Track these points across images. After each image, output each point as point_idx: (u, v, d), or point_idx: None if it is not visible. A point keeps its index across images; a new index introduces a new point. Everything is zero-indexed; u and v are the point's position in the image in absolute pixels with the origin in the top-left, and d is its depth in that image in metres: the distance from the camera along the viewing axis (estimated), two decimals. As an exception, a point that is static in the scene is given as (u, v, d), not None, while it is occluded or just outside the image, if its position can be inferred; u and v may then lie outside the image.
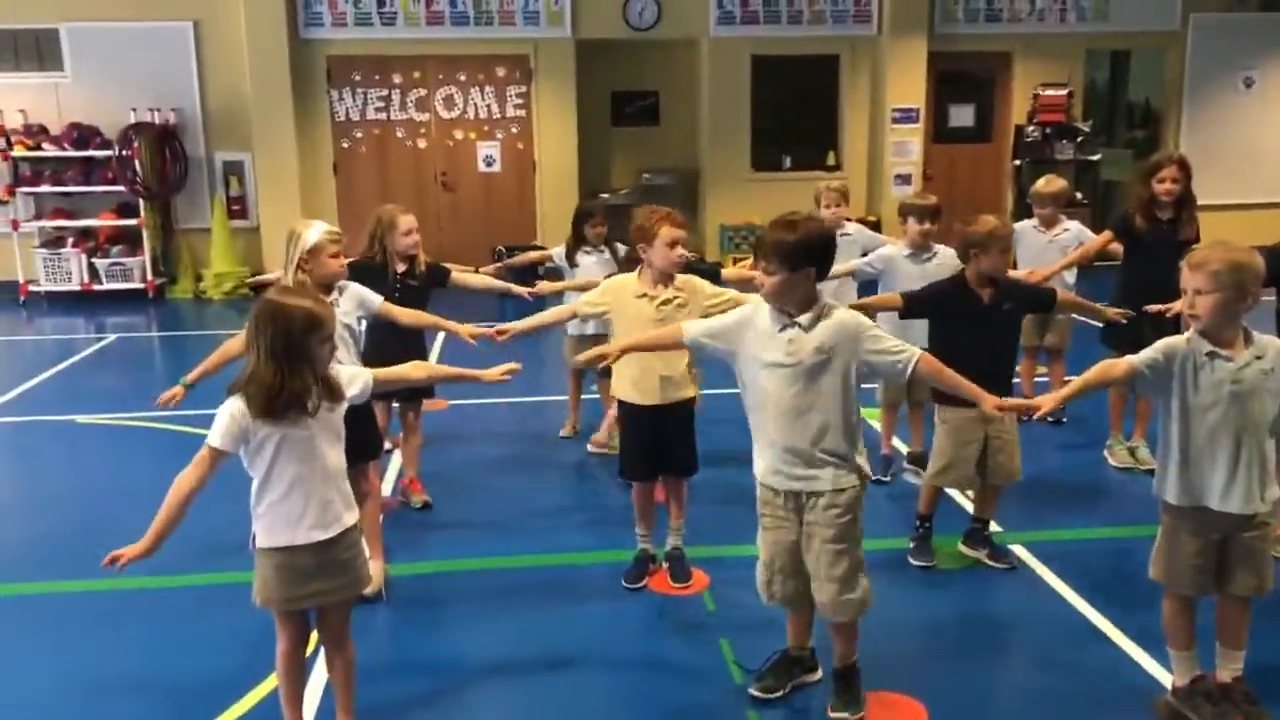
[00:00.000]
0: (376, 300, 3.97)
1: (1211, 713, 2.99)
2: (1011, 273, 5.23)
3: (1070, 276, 5.69)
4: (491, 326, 3.94)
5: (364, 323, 3.93)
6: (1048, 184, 5.75)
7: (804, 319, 2.90)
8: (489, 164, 11.34)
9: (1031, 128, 11.40)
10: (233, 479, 2.82)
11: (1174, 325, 3.11)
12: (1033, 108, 11.41)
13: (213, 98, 10.81)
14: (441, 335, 7.63)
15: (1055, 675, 3.40)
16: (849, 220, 5.84)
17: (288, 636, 2.84)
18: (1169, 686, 3.14)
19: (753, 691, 3.21)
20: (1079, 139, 11.37)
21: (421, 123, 11.20)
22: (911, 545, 4.22)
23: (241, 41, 10.47)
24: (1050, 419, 5.83)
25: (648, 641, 3.68)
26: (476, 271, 5.39)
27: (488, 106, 11.22)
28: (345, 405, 2.83)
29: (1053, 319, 5.75)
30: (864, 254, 5.57)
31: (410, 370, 3.26)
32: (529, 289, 4.69)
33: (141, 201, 10.44)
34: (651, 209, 3.86)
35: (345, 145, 11.14)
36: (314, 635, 2.96)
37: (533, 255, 6.43)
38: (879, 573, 3.88)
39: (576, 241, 5.73)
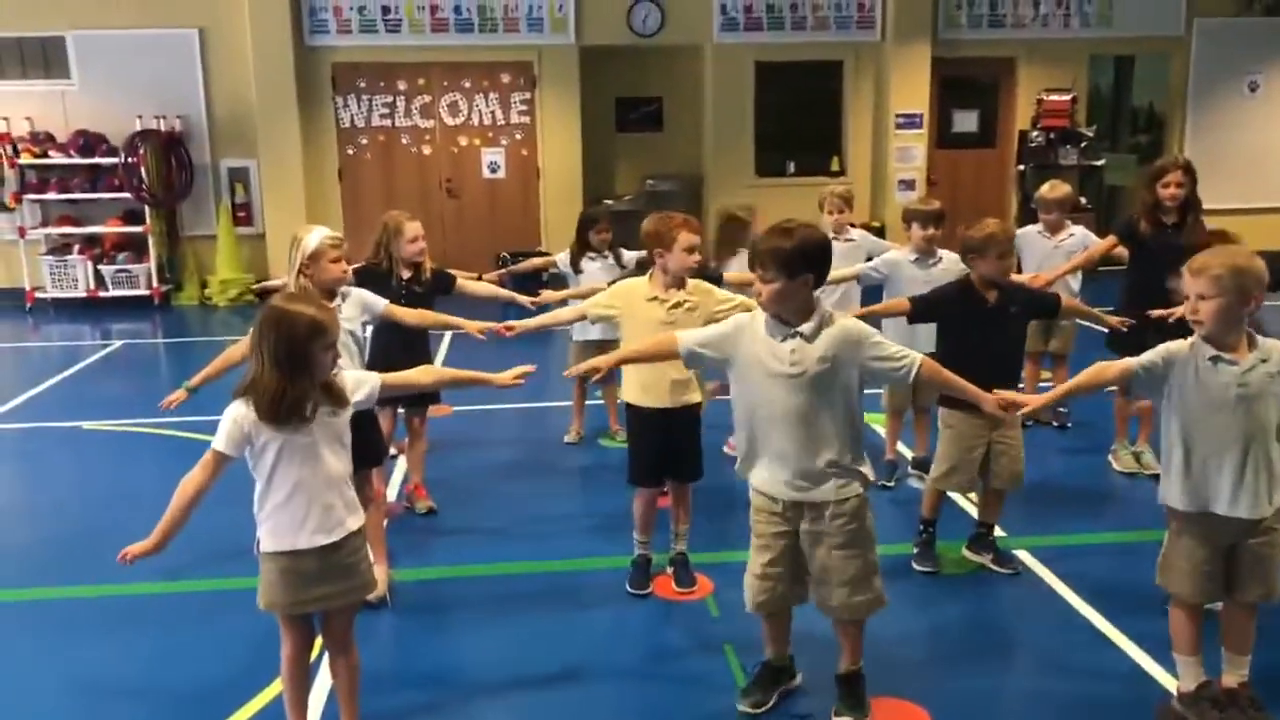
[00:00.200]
0: (381, 303, 3.98)
1: (1217, 718, 2.98)
2: (1016, 277, 5.26)
3: (1075, 282, 5.69)
4: (498, 324, 3.98)
5: (368, 329, 3.94)
6: (1052, 189, 5.75)
7: (806, 328, 2.88)
8: (493, 170, 11.36)
9: (1035, 133, 11.38)
10: (237, 484, 2.83)
11: (1178, 330, 3.11)
12: (1037, 113, 11.40)
13: (218, 105, 10.83)
14: (445, 341, 7.63)
15: (1059, 681, 3.39)
16: (853, 226, 5.85)
17: (292, 641, 2.85)
18: (1175, 692, 3.13)
19: (742, 708, 3.19)
20: (1083, 144, 11.35)
21: (426, 129, 11.23)
22: (915, 550, 4.22)
23: (247, 49, 10.50)
24: (1055, 423, 5.95)
25: (652, 647, 3.68)
26: (480, 278, 5.40)
27: (492, 113, 11.24)
28: (350, 411, 2.84)
29: (1056, 324, 5.75)
30: (868, 259, 5.58)
31: (419, 375, 3.27)
32: (532, 299, 4.68)
33: (147, 208, 10.47)
34: (669, 214, 3.88)
35: (350, 152, 11.16)
36: (319, 641, 2.97)
37: (536, 262, 6.45)
38: (883, 578, 3.90)
39: (581, 247, 5.75)
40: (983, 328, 3.93)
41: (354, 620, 2.96)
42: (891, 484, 5.10)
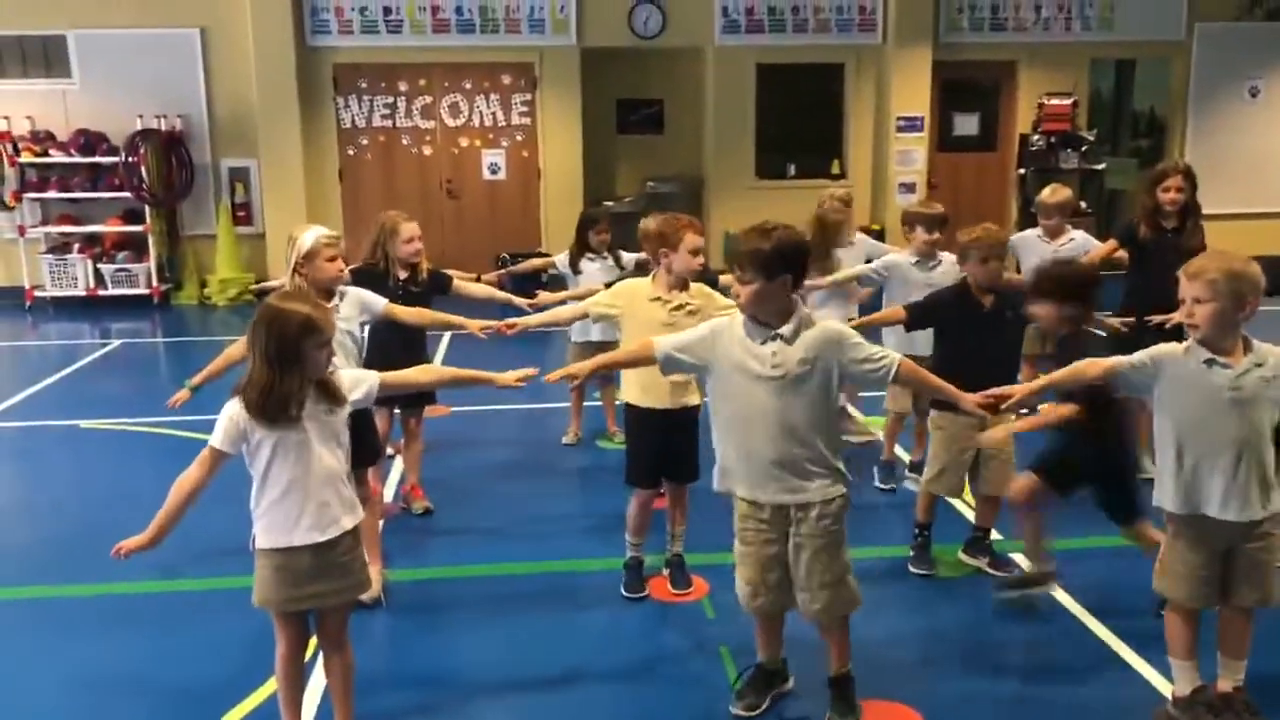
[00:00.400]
0: (380, 302, 3.98)
1: (1212, 723, 2.98)
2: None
3: None
4: (499, 322, 4.00)
5: (365, 328, 3.94)
6: (1053, 193, 5.73)
7: (786, 330, 2.87)
8: (494, 171, 11.37)
9: (1036, 137, 11.39)
10: (235, 482, 2.83)
11: (1175, 335, 3.11)
12: (1037, 117, 11.41)
13: (219, 104, 10.84)
14: (445, 341, 7.63)
15: (1055, 684, 3.38)
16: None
17: (286, 640, 2.85)
18: (1170, 696, 3.12)
19: (735, 711, 3.19)
20: (1084, 148, 11.36)
21: (427, 130, 11.23)
22: (911, 553, 4.22)
23: (248, 49, 10.51)
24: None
25: (648, 649, 3.67)
26: (479, 279, 5.40)
27: (493, 114, 11.24)
28: (347, 409, 2.84)
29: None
30: (867, 262, 5.58)
31: (419, 374, 3.27)
32: (530, 300, 4.66)
33: (147, 208, 10.48)
34: (674, 215, 3.88)
35: (351, 152, 11.17)
36: (313, 640, 2.97)
37: (536, 263, 6.46)
38: (879, 581, 3.91)
39: (580, 248, 5.75)
40: (979, 332, 3.93)
41: (348, 619, 2.96)
42: (889, 487, 5.09)
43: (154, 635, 3.77)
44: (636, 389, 3.88)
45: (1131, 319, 4.51)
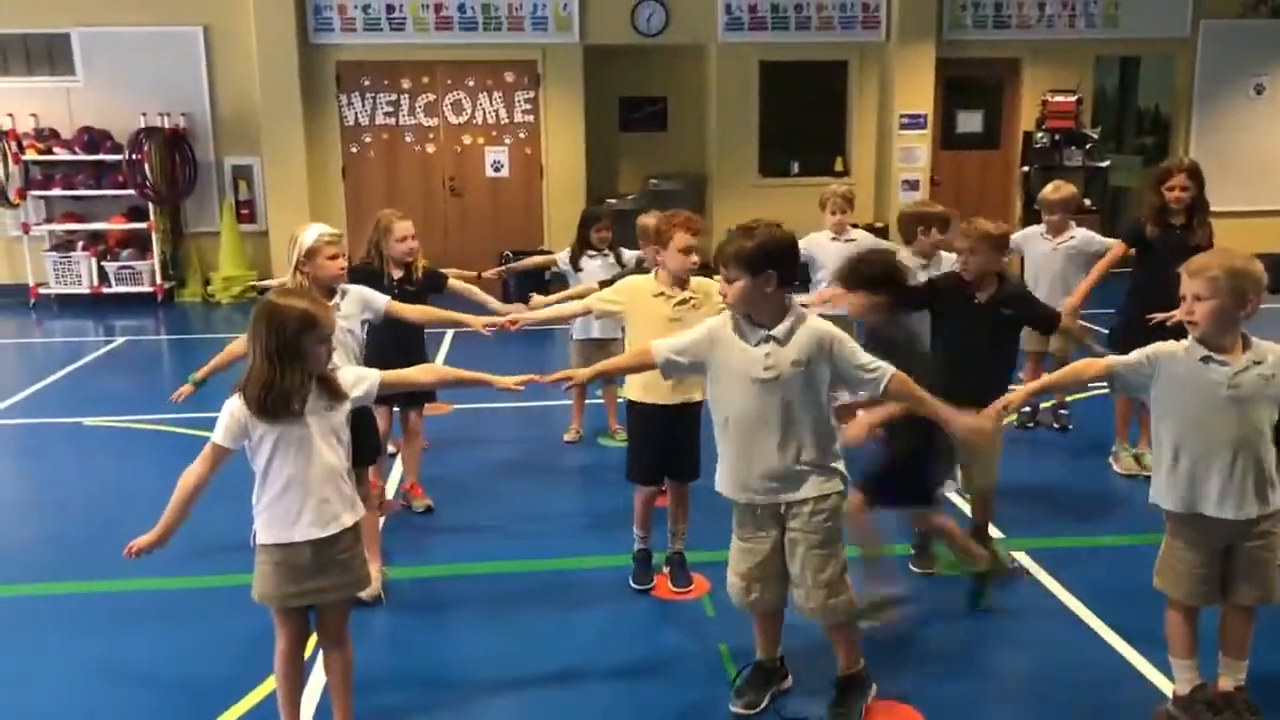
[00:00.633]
0: (382, 300, 3.98)
1: (1212, 722, 2.98)
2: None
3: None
4: (502, 319, 4.01)
5: (365, 327, 3.94)
6: (1055, 190, 5.71)
7: (779, 332, 2.85)
8: (497, 169, 11.36)
9: (1040, 134, 11.36)
10: (237, 479, 2.84)
11: (1177, 332, 3.10)
12: (1041, 114, 11.38)
13: (222, 102, 10.85)
14: (448, 339, 7.62)
15: (1055, 683, 3.38)
16: (854, 226, 5.84)
17: (286, 636, 2.85)
18: (1170, 695, 3.12)
19: (734, 709, 3.18)
20: (1088, 146, 11.32)
21: (430, 128, 11.23)
22: (912, 552, 4.21)
23: (251, 46, 10.52)
24: (1055, 425, 5.93)
25: (648, 647, 3.67)
26: (480, 276, 5.38)
27: (496, 112, 11.24)
28: (348, 406, 2.85)
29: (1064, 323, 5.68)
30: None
31: (419, 374, 3.28)
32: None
33: (151, 205, 10.49)
34: (672, 213, 3.87)
35: (354, 150, 11.17)
36: (313, 638, 2.97)
37: (537, 259, 6.46)
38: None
39: (581, 246, 5.75)
40: (965, 323, 3.92)
41: (348, 616, 2.96)
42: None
43: (156, 632, 3.78)
44: (639, 385, 3.88)
45: (1136, 318, 4.49)
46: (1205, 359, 2.83)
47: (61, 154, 10.45)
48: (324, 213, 10.32)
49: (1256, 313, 2.82)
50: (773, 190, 11.19)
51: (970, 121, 11.94)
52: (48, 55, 10.67)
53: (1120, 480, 5.21)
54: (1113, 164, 11.64)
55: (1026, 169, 11.45)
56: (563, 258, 5.86)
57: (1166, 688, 3.18)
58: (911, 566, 4.17)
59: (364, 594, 3.68)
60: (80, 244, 10.70)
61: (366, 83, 11.03)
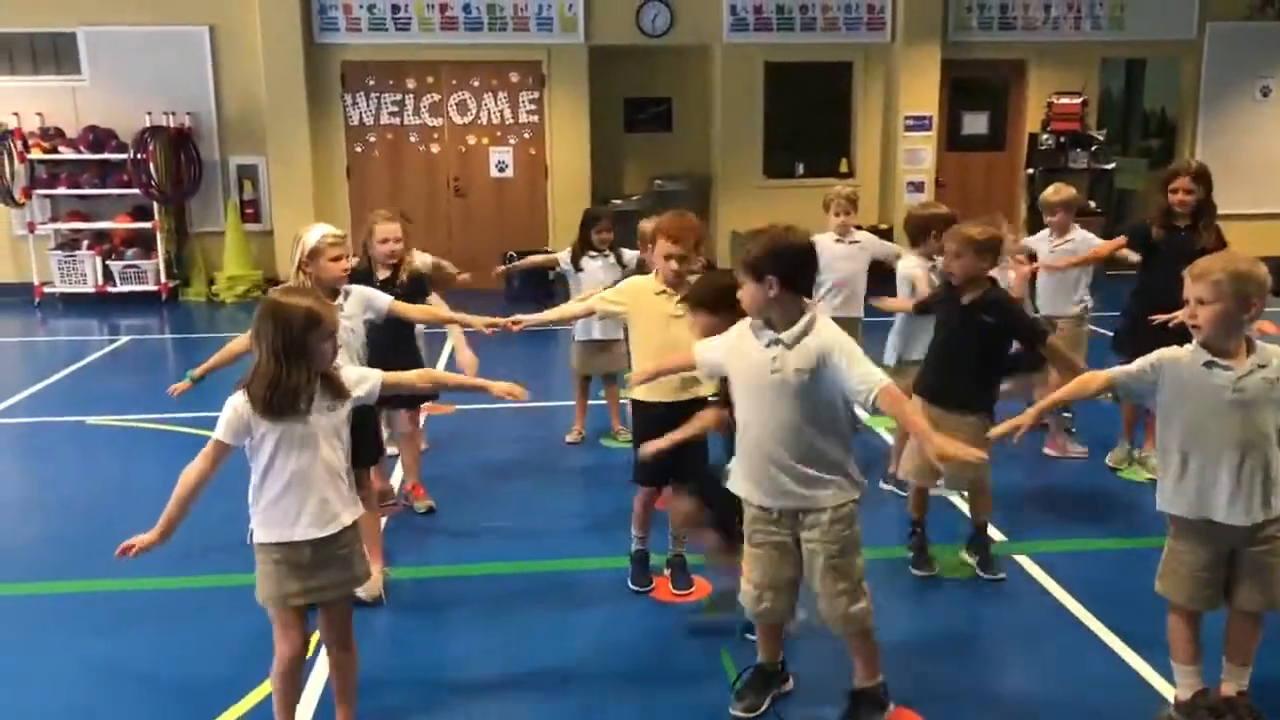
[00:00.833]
0: (385, 299, 3.98)
1: (1214, 727, 2.96)
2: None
3: (1084, 290, 5.60)
4: (505, 319, 4.00)
5: (367, 326, 3.94)
6: (1055, 192, 5.69)
7: (786, 336, 2.85)
8: (501, 169, 11.36)
9: (1046, 136, 11.34)
10: (236, 477, 2.83)
11: (1181, 335, 3.09)
12: (1047, 116, 11.36)
13: (228, 102, 10.86)
14: (450, 339, 7.63)
15: (1057, 687, 3.37)
16: (858, 228, 5.82)
17: (290, 641, 2.83)
18: (1172, 700, 3.10)
19: (734, 712, 3.18)
20: (1093, 148, 11.31)
21: (435, 128, 11.23)
22: (910, 554, 4.20)
23: (257, 46, 10.53)
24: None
25: (648, 649, 3.66)
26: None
27: (500, 112, 11.24)
28: (350, 404, 2.84)
29: (1068, 328, 5.65)
30: (872, 262, 5.58)
31: (416, 377, 3.26)
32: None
33: (156, 205, 10.50)
34: (672, 215, 3.88)
35: (359, 150, 11.18)
36: (313, 641, 2.97)
37: (539, 258, 6.46)
38: (880, 581, 3.87)
39: (582, 246, 5.75)
40: (947, 324, 3.98)
41: (351, 616, 2.96)
42: (904, 493, 5.07)
43: (157, 631, 3.78)
44: (643, 386, 3.86)
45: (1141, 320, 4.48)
46: (1209, 364, 2.82)
47: (67, 153, 10.46)
48: (328, 213, 10.34)
49: (1261, 316, 2.81)
50: (777, 191, 11.18)
51: (975, 123, 11.92)
52: (53, 54, 10.70)
53: (1121, 483, 5.20)
54: (1118, 166, 11.62)
55: (1031, 171, 11.42)
56: (564, 257, 5.86)
57: (1168, 692, 3.16)
58: (912, 570, 4.16)
59: (365, 595, 3.70)
60: (85, 243, 10.72)
61: (371, 82, 11.04)
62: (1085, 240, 5.61)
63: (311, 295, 2.82)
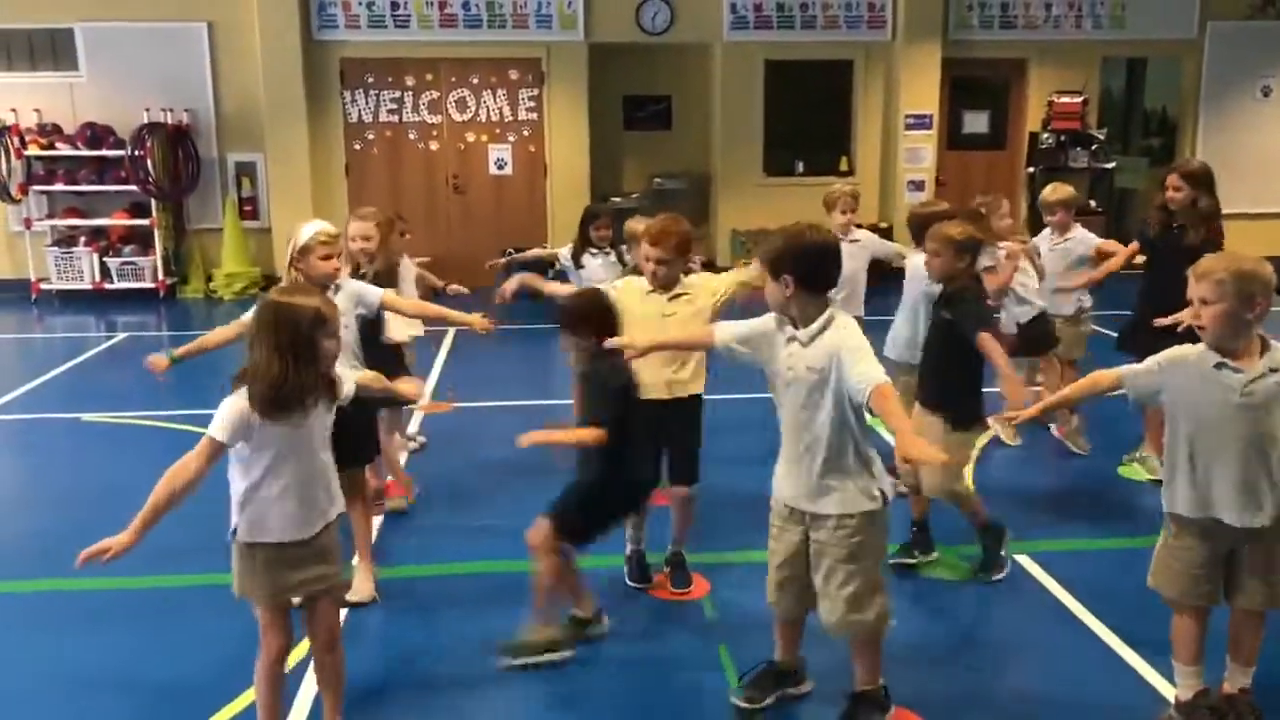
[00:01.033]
0: (376, 294, 3.95)
1: (1215, 727, 2.94)
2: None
3: (1085, 294, 5.59)
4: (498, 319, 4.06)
5: (360, 322, 3.92)
6: (1054, 191, 5.69)
7: (802, 334, 2.85)
8: (500, 167, 11.34)
9: (1046, 135, 11.33)
10: (212, 476, 2.79)
11: (1187, 334, 3.07)
12: (1047, 115, 11.34)
13: (226, 99, 10.83)
14: (448, 338, 7.57)
15: (1058, 687, 3.35)
16: (859, 227, 5.79)
17: (275, 641, 2.82)
18: (1172, 700, 3.08)
19: (735, 701, 3.17)
20: (1094, 147, 11.29)
21: (434, 125, 11.21)
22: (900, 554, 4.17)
23: (255, 43, 10.50)
24: (1051, 425, 5.88)
25: (647, 647, 3.64)
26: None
27: (500, 109, 11.21)
28: (335, 405, 2.84)
29: (1066, 327, 5.63)
30: (872, 261, 5.55)
31: (371, 379, 3.16)
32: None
33: (154, 201, 10.47)
34: (663, 219, 3.87)
35: (357, 147, 11.15)
36: (303, 643, 2.94)
37: (539, 252, 6.46)
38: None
39: (582, 243, 5.72)
40: (931, 324, 4.10)
41: (339, 614, 2.94)
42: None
43: (143, 631, 3.75)
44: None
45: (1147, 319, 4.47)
46: (1219, 365, 2.79)
47: (64, 149, 10.43)
48: (327, 210, 10.31)
49: (1266, 315, 2.78)
50: (777, 190, 11.17)
51: (976, 122, 11.90)
52: (51, 50, 10.66)
53: (1123, 483, 5.17)
54: (1118, 165, 11.60)
55: (1032, 170, 11.40)
56: (565, 254, 5.83)
57: (1168, 692, 3.15)
58: (904, 559, 4.13)
59: (357, 597, 3.68)
60: (82, 240, 10.69)
61: (370, 80, 11.01)
62: (1085, 239, 5.60)
63: (316, 294, 2.82)
